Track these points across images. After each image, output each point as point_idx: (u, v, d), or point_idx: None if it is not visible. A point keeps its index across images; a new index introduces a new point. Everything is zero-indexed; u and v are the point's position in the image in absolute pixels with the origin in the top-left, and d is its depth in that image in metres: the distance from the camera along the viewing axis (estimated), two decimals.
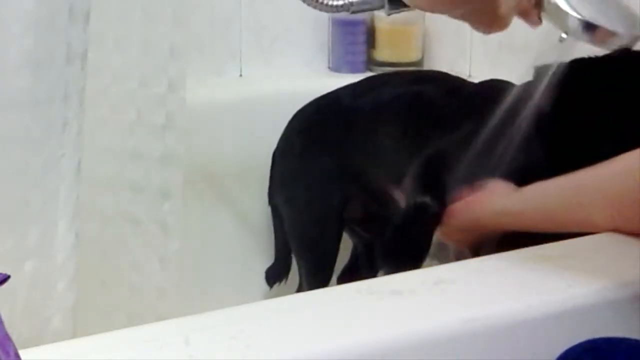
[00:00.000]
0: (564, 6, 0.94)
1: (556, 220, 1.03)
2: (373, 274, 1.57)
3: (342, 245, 1.57)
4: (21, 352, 0.59)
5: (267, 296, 1.65)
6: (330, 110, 1.45)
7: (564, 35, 0.96)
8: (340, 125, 1.42)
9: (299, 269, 1.54)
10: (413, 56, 1.81)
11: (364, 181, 1.40)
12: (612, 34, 0.95)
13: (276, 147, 1.50)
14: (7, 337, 0.58)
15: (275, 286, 1.60)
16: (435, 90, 1.36)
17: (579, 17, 0.94)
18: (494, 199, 1.10)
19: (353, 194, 1.43)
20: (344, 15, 1.80)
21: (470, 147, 1.17)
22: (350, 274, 1.60)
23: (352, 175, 1.41)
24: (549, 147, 1.15)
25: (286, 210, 1.51)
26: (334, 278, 1.60)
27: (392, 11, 1.09)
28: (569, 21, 0.94)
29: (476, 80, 1.48)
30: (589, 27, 0.94)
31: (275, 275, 1.59)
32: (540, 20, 0.97)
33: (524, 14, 0.96)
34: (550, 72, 1.07)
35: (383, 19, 1.81)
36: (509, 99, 1.14)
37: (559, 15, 0.94)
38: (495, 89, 1.30)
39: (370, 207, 1.42)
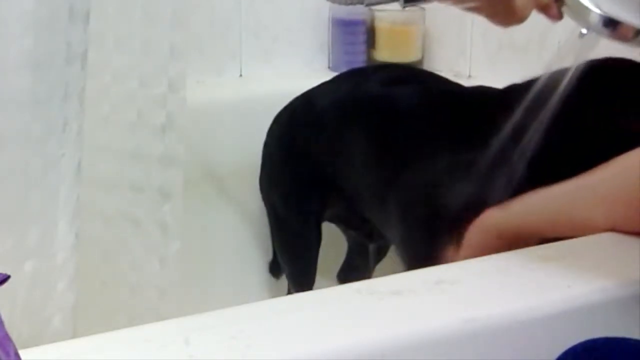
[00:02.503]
0: (585, 1, 0.91)
1: (558, 224, 1.03)
2: (368, 270, 1.57)
3: (338, 242, 1.58)
4: (21, 352, 0.59)
5: (267, 296, 1.65)
6: (304, 113, 1.44)
7: (584, 31, 0.93)
8: (313, 129, 1.41)
9: (284, 271, 1.55)
10: (413, 56, 1.81)
11: (340, 183, 1.39)
12: (635, 31, 0.92)
13: (262, 152, 1.51)
14: (7, 337, 0.58)
15: (279, 282, 1.61)
16: (409, 94, 1.32)
17: (600, 12, 0.91)
18: (497, 211, 1.09)
19: (331, 196, 1.42)
20: (344, 15, 1.81)
21: (465, 164, 1.16)
22: (348, 271, 1.61)
23: (328, 179, 1.40)
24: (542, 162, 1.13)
25: (269, 214, 1.52)
26: (334, 275, 1.61)
27: (408, 4, 1.07)
28: (590, 16, 0.91)
29: (476, 81, 1.48)
30: (611, 23, 0.91)
31: (276, 268, 1.61)
32: (560, 15, 0.95)
33: (543, 8, 0.94)
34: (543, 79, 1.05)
35: (383, 18, 1.81)
36: (496, 109, 1.13)
37: (580, 10, 0.91)
38: (478, 95, 1.29)
39: (350, 206, 1.42)
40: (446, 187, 1.17)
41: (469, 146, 1.16)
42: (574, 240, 0.98)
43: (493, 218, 1.08)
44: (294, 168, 1.45)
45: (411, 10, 1.81)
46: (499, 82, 1.29)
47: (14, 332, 0.59)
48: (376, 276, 1.54)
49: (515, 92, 1.14)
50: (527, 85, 1.07)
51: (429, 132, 1.26)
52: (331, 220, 1.50)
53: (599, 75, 1.13)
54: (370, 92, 1.36)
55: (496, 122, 1.07)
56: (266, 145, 1.50)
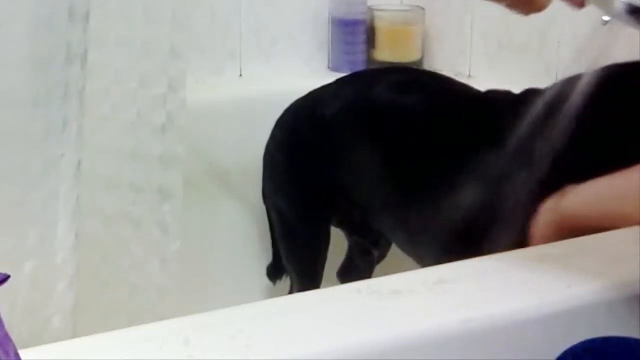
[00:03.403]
0: None
1: (601, 216, 1.03)
2: (369, 270, 1.57)
3: (339, 242, 1.58)
4: (21, 352, 0.59)
5: (267, 296, 1.65)
6: (309, 118, 1.42)
7: (607, 18, 0.92)
8: (319, 135, 1.39)
9: (289, 273, 1.54)
10: (413, 56, 1.81)
11: (347, 190, 1.38)
12: None
13: (264, 153, 1.49)
14: (7, 337, 0.58)
15: (278, 283, 1.61)
16: (420, 101, 1.31)
17: None
18: (558, 202, 1.09)
19: (339, 203, 1.41)
20: (344, 15, 1.81)
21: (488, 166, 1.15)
22: (348, 270, 1.60)
23: (333, 184, 1.39)
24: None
25: (274, 218, 1.51)
26: (334, 275, 1.61)
27: None
28: (614, 3, 0.89)
29: (476, 80, 1.48)
30: (636, 11, 0.88)
31: (275, 273, 1.60)
32: (583, 3, 0.93)
33: None
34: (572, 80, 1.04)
35: (383, 18, 1.81)
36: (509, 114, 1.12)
37: None
38: (493, 101, 1.28)
39: (359, 214, 1.41)
40: (479, 198, 1.16)
41: (493, 154, 1.14)
42: (574, 240, 0.98)
43: (556, 209, 1.08)
44: (301, 173, 1.43)
45: (411, 10, 1.82)
46: (499, 82, 1.29)
47: (14, 332, 0.59)
48: (376, 276, 1.54)
49: (533, 98, 1.14)
50: (546, 91, 1.07)
51: (448, 140, 1.24)
52: (338, 227, 1.50)
53: (620, 79, 1.13)
54: (380, 98, 1.34)
55: (513, 129, 1.07)
56: (269, 149, 1.48)
